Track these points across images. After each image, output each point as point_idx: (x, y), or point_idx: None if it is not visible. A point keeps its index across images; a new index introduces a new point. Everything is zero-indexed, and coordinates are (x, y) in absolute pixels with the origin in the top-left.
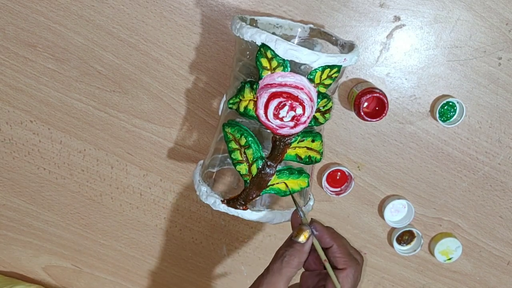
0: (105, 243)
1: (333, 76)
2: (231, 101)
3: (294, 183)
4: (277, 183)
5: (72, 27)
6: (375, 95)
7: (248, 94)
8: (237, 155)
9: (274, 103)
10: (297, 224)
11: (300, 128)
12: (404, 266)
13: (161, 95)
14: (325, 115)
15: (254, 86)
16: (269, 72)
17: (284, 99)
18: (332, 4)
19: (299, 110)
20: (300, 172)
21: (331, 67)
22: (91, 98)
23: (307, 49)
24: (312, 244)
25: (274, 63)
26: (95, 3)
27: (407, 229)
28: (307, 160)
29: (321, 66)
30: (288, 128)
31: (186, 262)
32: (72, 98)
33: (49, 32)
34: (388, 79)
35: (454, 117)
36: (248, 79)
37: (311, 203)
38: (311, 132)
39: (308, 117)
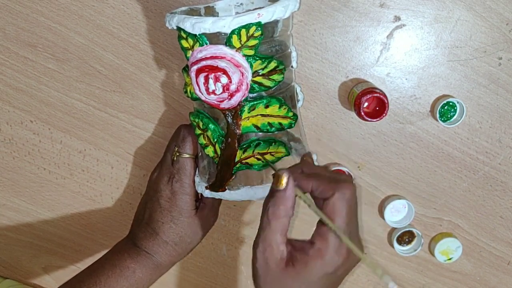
0: (105, 243)
1: (256, 35)
2: (184, 90)
3: (267, 154)
4: (246, 158)
5: (73, 27)
6: (375, 95)
7: (187, 78)
8: (202, 140)
9: (201, 79)
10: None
11: (238, 97)
12: (404, 266)
13: (161, 95)
14: (270, 77)
15: (187, 68)
16: (191, 51)
17: (206, 73)
18: (332, 4)
19: (224, 79)
20: (269, 142)
21: (246, 27)
22: (92, 98)
23: (211, 17)
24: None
25: (190, 41)
26: (96, 3)
27: (407, 229)
28: (268, 127)
29: (234, 29)
30: (226, 100)
31: (186, 262)
32: (72, 98)
33: (49, 32)
34: (389, 79)
35: (455, 117)
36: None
37: None
38: (261, 98)
39: (240, 84)
